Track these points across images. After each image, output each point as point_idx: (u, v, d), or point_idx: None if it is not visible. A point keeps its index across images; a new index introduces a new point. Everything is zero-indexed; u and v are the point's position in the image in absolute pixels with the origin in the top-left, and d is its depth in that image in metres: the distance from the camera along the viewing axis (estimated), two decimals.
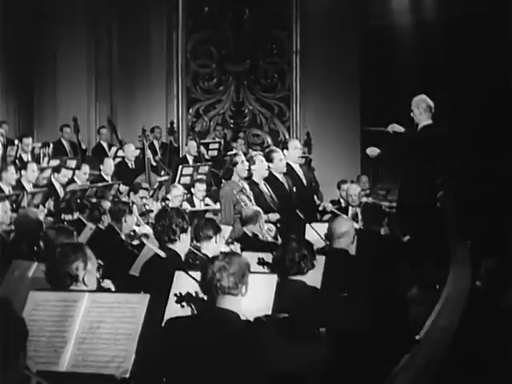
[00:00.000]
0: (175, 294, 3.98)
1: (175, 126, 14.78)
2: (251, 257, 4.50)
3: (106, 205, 7.92)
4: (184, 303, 3.88)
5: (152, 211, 8.95)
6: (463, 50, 12.55)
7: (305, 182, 8.77)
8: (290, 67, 14.96)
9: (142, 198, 9.94)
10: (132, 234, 7.69)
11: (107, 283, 4.52)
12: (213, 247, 5.78)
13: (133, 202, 8.11)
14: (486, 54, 12.16)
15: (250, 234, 7.18)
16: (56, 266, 3.98)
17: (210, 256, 5.08)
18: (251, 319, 3.65)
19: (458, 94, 12.36)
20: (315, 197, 11.58)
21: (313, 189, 10.04)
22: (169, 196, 9.91)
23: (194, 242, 5.83)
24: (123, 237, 7.33)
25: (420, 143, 7.79)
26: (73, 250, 4.07)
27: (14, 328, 2.71)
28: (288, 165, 8.57)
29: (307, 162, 12.79)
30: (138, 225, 8.14)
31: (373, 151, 8.16)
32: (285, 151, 8.67)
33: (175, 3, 14.87)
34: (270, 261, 4.99)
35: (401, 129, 7.96)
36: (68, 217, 9.07)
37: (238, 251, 6.12)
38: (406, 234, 7.69)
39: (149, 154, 12.45)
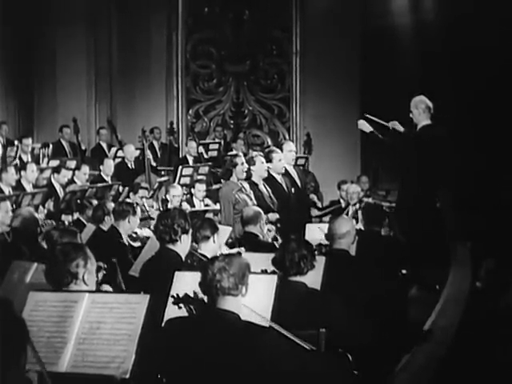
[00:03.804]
0: (172, 296, 3.97)
1: (175, 126, 14.79)
2: (252, 257, 4.48)
3: (110, 206, 7.91)
4: (181, 304, 3.87)
5: (153, 219, 8.94)
6: (463, 51, 12.54)
7: (299, 183, 8.76)
8: (289, 68, 14.96)
9: (141, 197, 9.95)
10: (134, 235, 7.68)
11: (105, 288, 4.52)
12: (211, 247, 5.77)
13: (137, 203, 8.09)
14: (486, 53, 12.15)
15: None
16: (57, 263, 3.99)
17: (209, 256, 5.09)
18: (251, 320, 3.65)
19: (458, 94, 12.36)
20: (315, 197, 11.62)
21: (307, 191, 10.04)
22: (168, 196, 9.91)
23: (193, 243, 5.82)
24: (125, 238, 7.31)
25: (419, 143, 7.79)
26: (73, 248, 4.09)
27: (15, 329, 2.71)
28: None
29: (306, 163, 12.83)
30: (139, 227, 8.12)
31: (363, 125, 8.10)
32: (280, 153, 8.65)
33: (175, 3, 14.87)
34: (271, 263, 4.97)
35: (401, 128, 7.95)
36: (68, 218, 9.09)
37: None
38: (406, 234, 7.69)
39: (148, 154, 12.46)
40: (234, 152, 12.38)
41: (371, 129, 8.05)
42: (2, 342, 2.62)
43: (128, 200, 8.68)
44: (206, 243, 5.77)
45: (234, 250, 6.37)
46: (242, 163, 8.29)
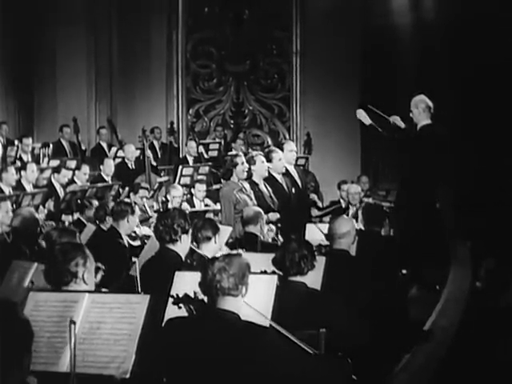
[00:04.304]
0: (171, 296, 3.97)
1: (175, 126, 14.79)
2: (252, 257, 4.49)
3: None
4: (181, 304, 3.87)
5: (151, 220, 8.94)
6: (463, 50, 12.55)
7: (300, 183, 8.74)
8: (289, 68, 14.96)
9: (142, 197, 9.94)
10: (133, 234, 7.68)
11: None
12: (212, 248, 5.78)
13: (135, 203, 8.09)
14: (487, 52, 12.15)
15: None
16: (56, 263, 3.99)
17: (210, 257, 5.09)
18: (251, 320, 3.64)
19: (459, 93, 12.36)
20: (315, 197, 11.61)
21: (307, 191, 10.02)
22: (168, 196, 9.91)
23: (194, 243, 5.82)
24: (125, 238, 7.30)
25: (419, 143, 7.78)
26: (72, 247, 4.10)
27: (19, 329, 2.71)
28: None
29: (306, 163, 12.82)
30: (137, 226, 8.11)
31: (362, 115, 8.13)
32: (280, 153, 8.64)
33: (175, 3, 14.87)
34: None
35: (401, 124, 7.94)
36: (68, 218, 9.08)
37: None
38: (404, 234, 7.67)
39: (149, 153, 12.44)
40: (234, 152, 12.37)
41: (370, 121, 8.05)
42: (6, 342, 2.62)
43: (127, 200, 8.68)
44: (207, 244, 5.78)
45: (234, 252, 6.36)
46: (243, 163, 8.27)
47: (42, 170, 11.08)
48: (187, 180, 11.33)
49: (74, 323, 3.45)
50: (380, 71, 13.57)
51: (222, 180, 9.02)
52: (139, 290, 4.94)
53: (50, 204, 9.89)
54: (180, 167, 11.57)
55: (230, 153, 12.37)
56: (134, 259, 5.20)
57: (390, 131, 7.91)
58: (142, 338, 3.58)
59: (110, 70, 14.92)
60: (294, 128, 14.96)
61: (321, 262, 4.94)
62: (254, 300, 3.78)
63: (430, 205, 7.80)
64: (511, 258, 7.15)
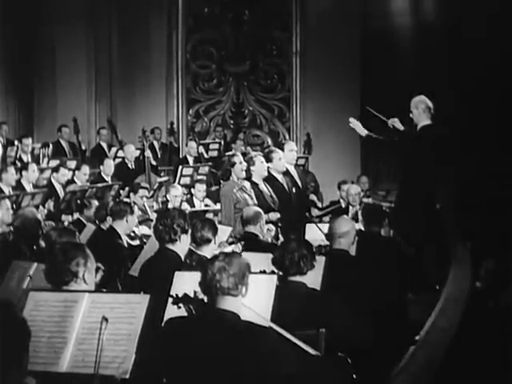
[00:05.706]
0: (171, 296, 3.97)
1: (175, 126, 14.79)
2: (252, 257, 4.48)
3: None
4: (181, 304, 3.87)
5: (152, 220, 8.93)
6: (463, 51, 12.55)
7: (300, 183, 8.74)
8: (289, 68, 14.96)
9: (141, 197, 9.94)
10: (132, 234, 7.67)
11: None
12: (212, 248, 5.79)
13: (134, 203, 8.07)
14: (486, 54, 12.16)
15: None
16: (57, 262, 3.99)
17: (208, 257, 5.09)
18: (251, 320, 3.64)
19: (458, 95, 12.36)
20: (315, 198, 11.61)
21: (307, 191, 10.02)
22: (168, 196, 9.91)
23: (193, 244, 5.82)
24: (124, 238, 7.30)
25: (419, 143, 7.79)
26: (73, 247, 4.10)
27: (16, 329, 2.72)
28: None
29: (306, 163, 12.82)
30: (136, 226, 8.11)
31: (359, 128, 8.18)
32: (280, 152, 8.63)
33: (175, 3, 14.88)
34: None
35: (401, 126, 7.95)
36: (68, 218, 9.08)
37: (239, 250, 6.13)
38: (403, 235, 7.67)
39: (148, 153, 12.44)
40: (231, 152, 12.37)
41: (366, 132, 8.09)
42: (4, 343, 2.63)
43: (126, 200, 8.67)
44: (207, 246, 5.79)
45: (231, 248, 6.37)
46: (241, 162, 8.25)
47: (41, 170, 11.08)
48: (187, 180, 11.34)
49: (107, 320, 3.46)
50: (380, 72, 13.57)
51: (222, 181, 9.01)
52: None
53: (50, 204, 9.89)
54: (180, 167, 11.57)
55: (227, 153, 12.37)
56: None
57: (389, 135, 7.93)
58: (142, 337, 3.58)
59: (109, 70, 14.93)
60: (293, 128, 14.96)
61: (320, 261, 4.94)
62: (254, 300, 3.78)
63: (430, 205, 7.80)
64: (511, 257, 7.15)
